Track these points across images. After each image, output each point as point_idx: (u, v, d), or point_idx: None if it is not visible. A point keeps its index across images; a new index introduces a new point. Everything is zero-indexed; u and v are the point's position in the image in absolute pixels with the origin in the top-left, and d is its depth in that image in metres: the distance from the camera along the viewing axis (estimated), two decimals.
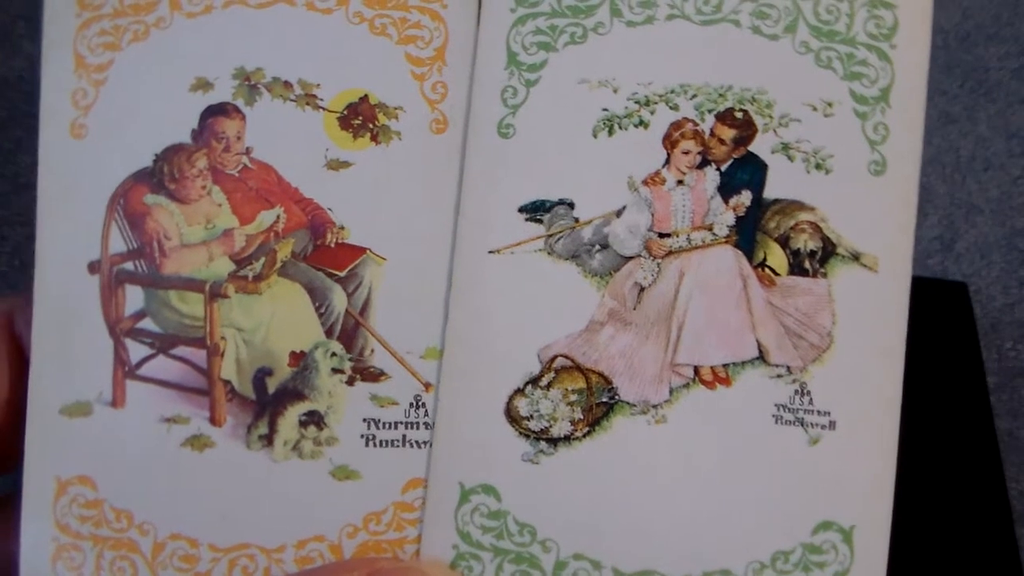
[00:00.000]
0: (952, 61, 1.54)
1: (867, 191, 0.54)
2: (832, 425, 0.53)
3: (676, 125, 0.55)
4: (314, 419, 0.54)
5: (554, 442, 0.54)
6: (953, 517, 1.06)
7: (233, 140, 0.55)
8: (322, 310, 0.55)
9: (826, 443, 0.53)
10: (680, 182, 0.55)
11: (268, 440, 0.54)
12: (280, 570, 0.54)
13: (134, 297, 0.55)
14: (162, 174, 0.55)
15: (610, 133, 0.55)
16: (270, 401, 0.54)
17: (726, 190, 0.55)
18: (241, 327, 0.55)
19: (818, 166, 0.54)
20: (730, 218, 0.55)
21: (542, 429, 0.54)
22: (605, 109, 0.55)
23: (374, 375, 0.55)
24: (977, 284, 1.43)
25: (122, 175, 0.55)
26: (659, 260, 0.55)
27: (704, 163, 0.55)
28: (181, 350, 0.55)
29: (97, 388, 0.54)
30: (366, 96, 0.55)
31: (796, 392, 0.53)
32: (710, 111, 0.55)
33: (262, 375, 0.55)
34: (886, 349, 0.53)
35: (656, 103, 0.55)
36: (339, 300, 0.55)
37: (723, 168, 0.55)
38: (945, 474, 1.08)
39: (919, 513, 1.04)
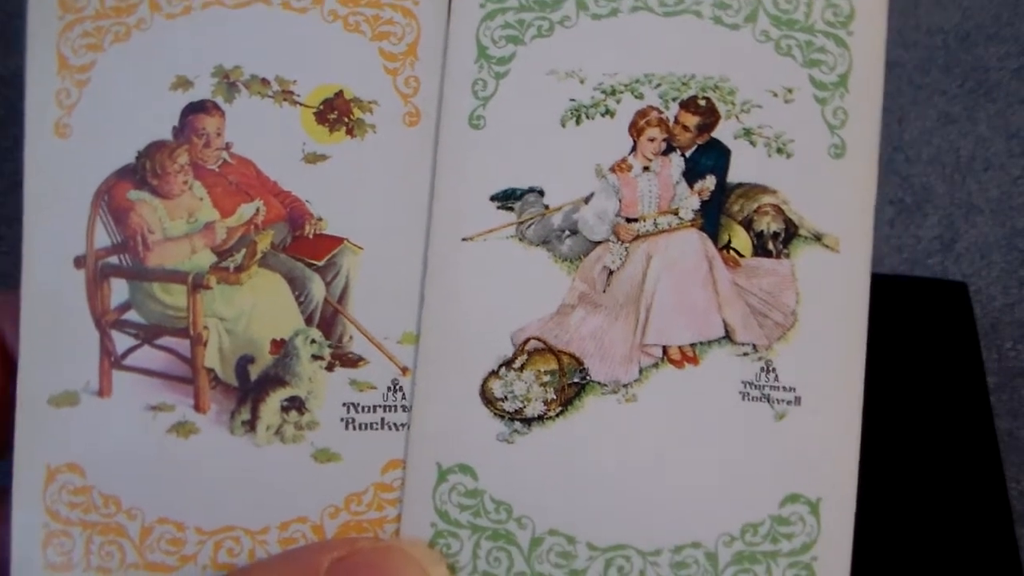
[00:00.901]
0: (952, 61, 1.55)
1: (827, 174, 0.57)
2: (797, 401, 0.56)
3: (641, 113, 0.58)
4: (295, 404, 0.57)
5: (528, 422, 0.57)
6: (953, 517, 1.07)
7: (213, 136, 0.58)
8: (301, 299, 0.58)
9: (792, 418, 0.56)
10: (646, 168, 0.58)
11: (251, 425, 0.57)
12: (264, 551, 0.57)
13: (119, 290, 0.58)
14: (145, 170, 0.58)
15: (578, 122, 0.58)
16: (252, 388, 0.58)
17: (691, 175, 0.58)
18: (223, 317, 0.58)
19: (779, 150, 0.57)
20: (695, 202, 0.58)
21: (516, 410, 0.57)
22: (572, 99, 0.58)
23: (353, 361, 0.58)
24: (977, 284, 1.44)
25: (106, 172, 0.58)
26: (627, 244, 0.58)
27: (669, 150, 0.58)
28: (165, 340, 0.58)
29: (84, 378, 0.57)
30: (341, 91, 0.58)
31: (762, 369, 0.56)
32: (674, 99, 0.58)
33: (244, 363, 0.58)
34: (849, 326, 0.57)
35: (622, 92, 0.58)
36: (318, 289, 0.58)
37: (687, 154, 0.58)
38: (945, 474, 1.10)
39: (919, 513, 1.06)
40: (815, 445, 0.56)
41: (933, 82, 1.54)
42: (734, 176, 0.58)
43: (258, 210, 0.58)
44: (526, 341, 0.57)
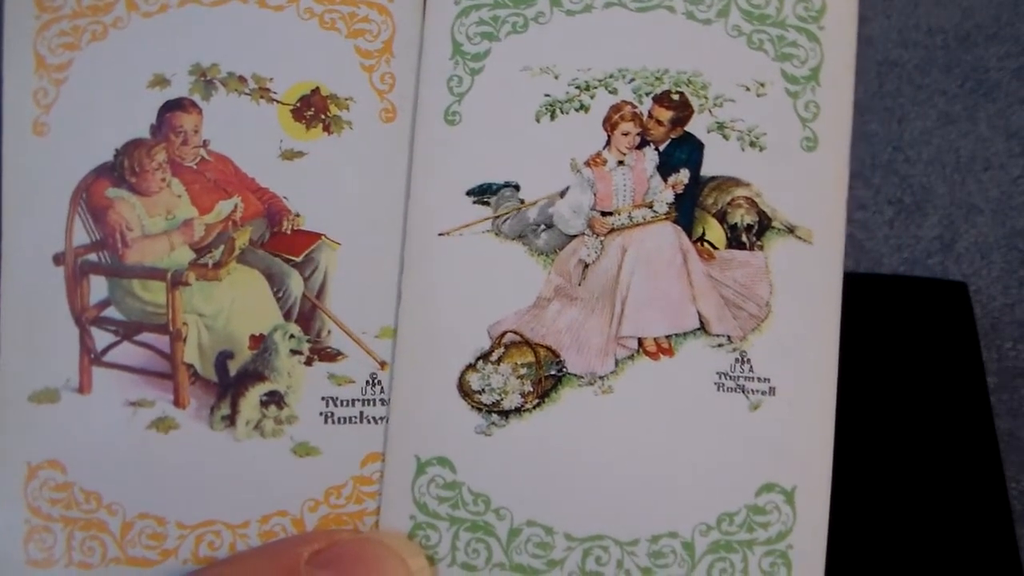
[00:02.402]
0: (952, 61, 1.56)
1: (800, 166, 0.59)
2: (772, 391, 0.57)
3: (615, 108, 0.59)
4: (274, 399, 0.59)
5: (505, 414, 0.58)
6: (953, 516, 1.08)
7: (191, 134, 0.60)
8: (280, 294, 0.60)
9: (766, 408, 0.57)
10: (621, 163, 0.60)
11: (231, 420, 0.59)
12: (245, 544, 0.58)
13: (98, 287, 0.60)
14: (123, 168, 0.60)
15: (552, 117, 0.59)
16: (232, 383, 0.59)
17: (665, 169, 0.60)
18: (202, 313, 0.59)
19: (752, 144, 0.59)
20: (669, 196, 0.60)
21: (493, 402, 0.58)
22: (547, 95, 0.59)
23: (331, 355, 0.59)
24: (977, 284, 1.45)
25: (84, 170, 0.60)
26: (602, 238, 0.59)
27: (643, 144, 0.60)
28: (145, 336, 0.60)
29: (64, 375, 0.59)
30: (318, 88, 0.60)
31: (736, 360, 0.58)
32: (648, 94, 0.59)
33: (223, 358, 0.59)
34: (822, 317, 0.58)
35: (596, 88, 0.59)
36: (296, 284, 0.60)
37: (661, 148, 0.60)
38: (945, 474, 1.11)
39: (919, 513, 1.07)
40: (789, 435, 0.58)
41: (933, 82, 1.54)
42: (708, 169, 0.59)
43: (236, 207, 0.60)
44: (503, 334, 0.59)
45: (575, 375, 0.58)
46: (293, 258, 0.60)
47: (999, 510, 1.10)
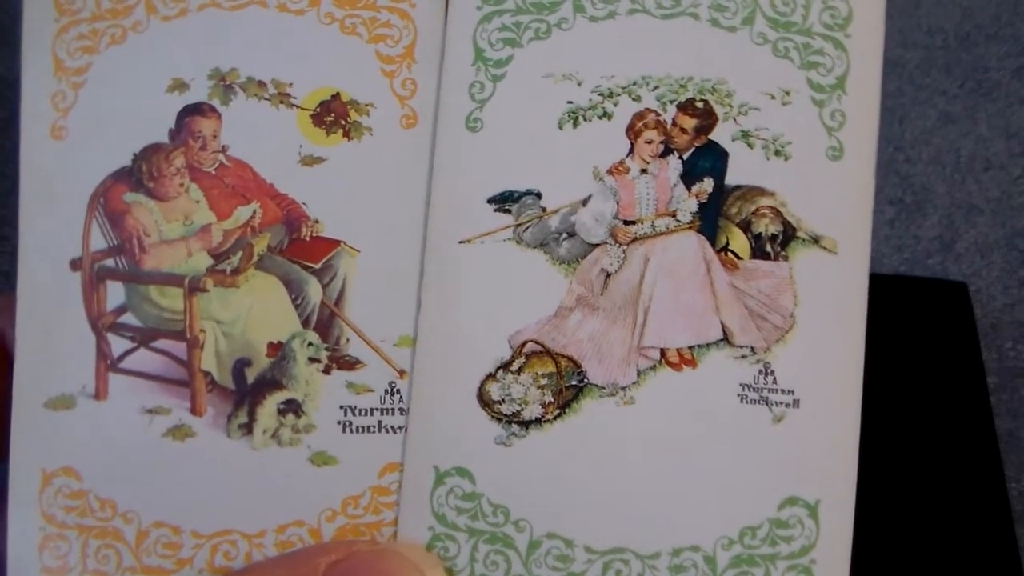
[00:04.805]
0: (952, 61, 1.55)
1: (825, 176, 0.57)
2: (796, 403, 0.56)
3: (639, 116, 0.58)
4: (292, 407, 0.57)
5: (525, 425, 0.56)
6: (953, 516, 1.08)
7: (209, 139, 0.58)
8: (298, 301, 0.58)
9: (790, 421, 0.56)
10: (644, 171, 0.58)
11: (248, 429, 0.57)
12: (261, 554, 0.56)
13: (115, 292, 0.58)
14: (141, 173, 0.58)
15: (575, 125, 0.58)
16: (249, 391, 0.57)
17: (688, 178, 0.58)
18: (220, 319, 0.58)
19: (777, 153, 0.57)
20: (693, 205, 0.58)
21: (514, 412, 0.56)
22: (570, 102, 0.58)
23: (350, 363, 0.57)
24: (977, 284, 1.44)
25: (102, 174, 0.58)
26: (624, 247, 0.58)
27: (667, 152, 0.58)
28: (162, 343, 0.58)
29: (80, 381, 0.57)
30: (338, 94, 0.58)
31: (760, 372, 0.56)
32: (672, 101, 0.58)
33: (241, 366, 0.58)
34: (847, 329, 0.56)
35: (619, 95, 0.58)
36: (314, 291, 0.58)
37: (685, 156, 0.58)
38: (945, 474, 1.10)
39: (919, 513, 1.06)
40: (814, 448, 0.56)
41: (933, 82, 1.54)
42: (732, 178, 0.58)
43: (255, 212, 0.58)
44: (524, 344, 0.57)
45: (596, 386, 0.57)
46: (312, 265, 0.58)
47: (999, 510, 1.10)
